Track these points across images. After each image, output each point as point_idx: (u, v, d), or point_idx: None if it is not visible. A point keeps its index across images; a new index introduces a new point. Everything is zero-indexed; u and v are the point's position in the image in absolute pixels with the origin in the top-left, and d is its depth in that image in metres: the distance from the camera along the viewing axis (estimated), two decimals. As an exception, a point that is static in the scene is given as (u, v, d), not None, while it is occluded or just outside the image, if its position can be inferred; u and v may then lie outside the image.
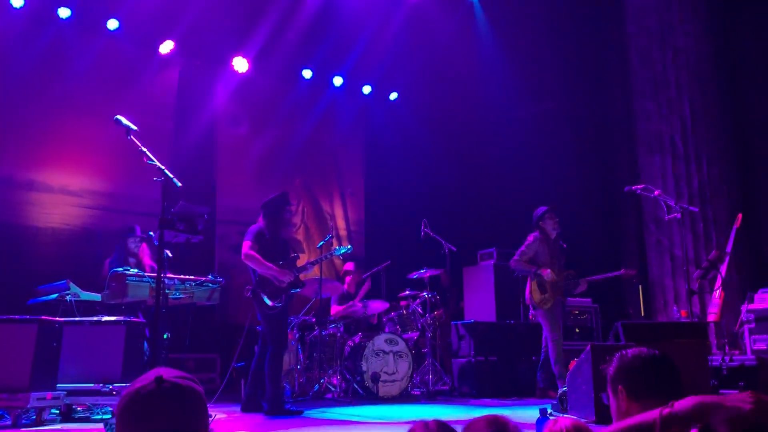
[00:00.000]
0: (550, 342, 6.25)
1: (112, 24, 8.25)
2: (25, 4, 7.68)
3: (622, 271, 6.39)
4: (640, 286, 8.31)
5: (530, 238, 6.41)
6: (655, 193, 5.67)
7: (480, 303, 8.93)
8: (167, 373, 1.28)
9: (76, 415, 5.30)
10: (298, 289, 5.79)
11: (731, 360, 5.02)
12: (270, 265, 5.53)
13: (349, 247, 6.56)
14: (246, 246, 5.57)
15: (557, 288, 6.24)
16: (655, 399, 2.16)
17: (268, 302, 5.56)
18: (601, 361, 4.63)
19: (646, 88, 8.68)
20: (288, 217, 6.03)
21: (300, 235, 10.20)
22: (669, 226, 7.93)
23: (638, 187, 5.84)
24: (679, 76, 8.46)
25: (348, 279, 8.30)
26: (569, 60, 9.55)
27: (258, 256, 5.51)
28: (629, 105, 8.89)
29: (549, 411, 5.32)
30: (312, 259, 6.22)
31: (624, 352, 2.35)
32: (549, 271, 6.18)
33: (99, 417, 5.19)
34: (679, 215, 5.48)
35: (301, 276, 5.85)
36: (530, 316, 8.49)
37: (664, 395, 2.15)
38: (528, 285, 6.40)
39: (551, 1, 9.26)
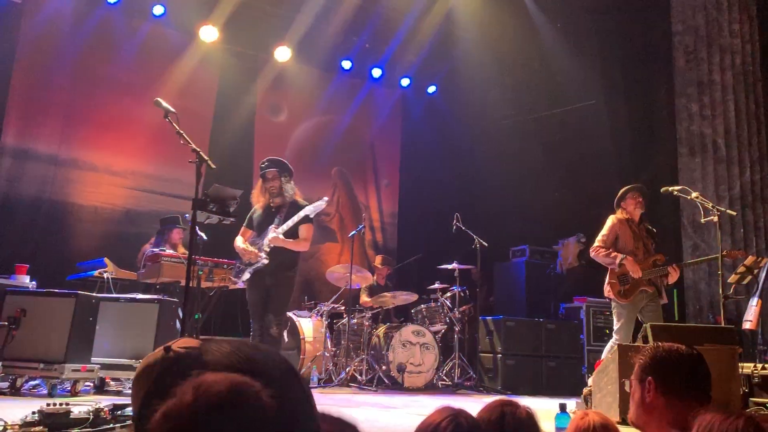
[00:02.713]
0: (613, 340, 5.48)
1: (158, 10, 8.42)
2: (75, -11, 7.90)
3: (723, 252, 5.43)
4: (674, 290, 8.14)
5: (612, 220, 5.67)
6: (693, 195, 5.54)
7: (510, 299, 8.91)
8: (181, 343, 1.34)
9: (109, 389, 5.48)
10: (253, 266, 5.34)
11: (763, 368, 4.91)
12: (239, 246, 5.45)
13: (324, 198, 5.61)
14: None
15: (642, 279, 5.45)
16: (684, 399, 2.12)
17: (235, 281, 5.50)
18: (628, 362, 4.59)
19: (689, 88, 8.49)
20: (264, 181, 5.51)
21: (334, 225, 10.29)
22: (708, 230, 7.76)
23: (675, 189, 5.70)
24: (725, 78, 8.25)
25: (377, 273, 8.37)
26: (612, 57, 9.39)
27: (236, 240, 5.51)
28: (671, 105, 8.71)
29: (574, 411, 5.29)
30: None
31: (660, 344, 2.28)
32: (635, 264, 5.41)
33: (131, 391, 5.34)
34: (716, 219, 5.35)
35: (276, 243, 5.30)
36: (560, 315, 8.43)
37: (694, 397, 2.12)
38: (607, 275, 5.60)
39: (596, -3, 9.12)
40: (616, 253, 5.51)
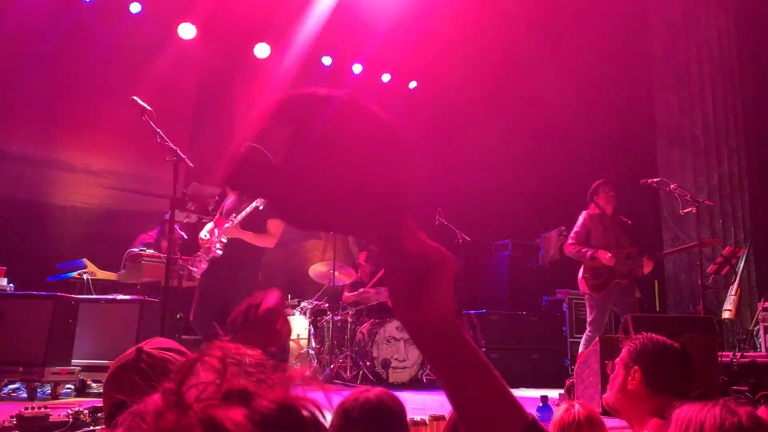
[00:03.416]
0: (585, 335, 5.60)
1: (135, 7, 8.33)
2: (50, -14, 7.80)
3: (696, 242, 5.60)
4: (655, 281, 8.23)
5: (583, 216, 5.79)
6: (671, 186, 5.59)
7: (493, 293, 8.95)
8: (154, 344, 1.33)
9: (90, 391, 5.42)
10: (209, 256, 5.01)
11: (742, 356, 4.98)
12: (200, 235, 5.17)
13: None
14: None
15: (616, 271, 5.50)
16: (666, 393, 2.14)
17: (194, 270, 5.18)
18: (609, 354, 4.63)
19: (668, 81, 8.57)
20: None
21: (316, 222, 10.25)
22: (687, 221, 7.85)
23: (654, 181, 5.75)
24: (702, 70, 8.35)
25: (361, 270, 8.35)
26: (590, 51, 9.44)
27: (204, 228, 5.26)
28: (651, 98, 8.79)
29: (557, 402, 5.33)
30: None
31: (653, 336, 2.27)
32: (607, 254, 5.47)
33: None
34: (694, 210, 5.41)
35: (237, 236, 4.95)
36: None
37: (676, 391, 2.13)
38: (581, 270, 5.71)
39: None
40: (586, 248, 5.60)
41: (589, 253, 5.55)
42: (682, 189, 5.77)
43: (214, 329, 4.53)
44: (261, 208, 4.87)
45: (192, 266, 5.16)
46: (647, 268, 5.57)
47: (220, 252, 4.91)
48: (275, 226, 5.07)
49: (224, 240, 4.94)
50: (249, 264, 5.02)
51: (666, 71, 8.63)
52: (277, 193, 0.72)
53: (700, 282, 5.30)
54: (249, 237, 4.98)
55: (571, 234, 5.77)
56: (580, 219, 5.77)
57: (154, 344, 1.35)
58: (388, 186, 0.71)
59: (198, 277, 5.11)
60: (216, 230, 5.02)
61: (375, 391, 1.81)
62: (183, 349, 1.36)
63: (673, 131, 8.41)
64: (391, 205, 0.71)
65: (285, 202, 0.72)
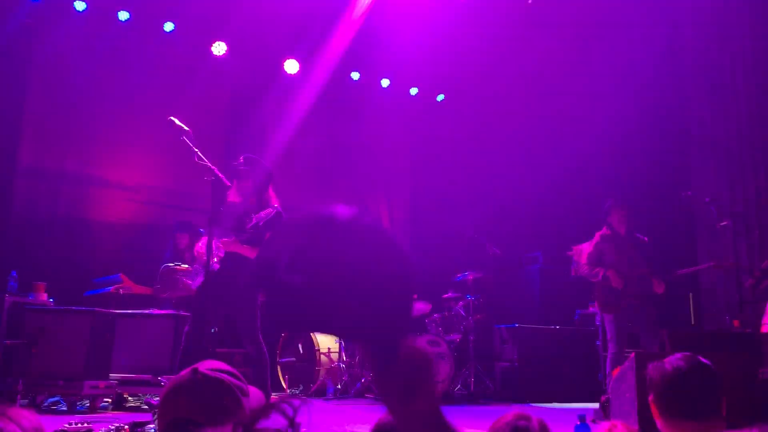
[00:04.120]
0: (609, 353, 5.58)
1: (168, 26, 8.51)
2: (86, 8, 8.01)
3: (712, 263, 5.64)
4: (690, 294, 8.10)
5: (596, 237, 5.80)
6: (706, 199, 5.52)
7: (524, 307, 8.88)
8: (209, 365, 1.37)
9: (127, 404, 5.51)
10: (205, 269, 4.74)
11: (783, 373, 4.86)
12: (197, 246, 5.01)
13: (273, 206, 4.92)
14: None
15: (627, 291, 5.55)
16: (681, 420, 2.07)
17: (189, 283, 5.13)
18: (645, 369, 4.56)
19: (701, 91, 8.46)
20: (233, 176, 4.81)
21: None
22: (723, 233, 7.70)
23: (688, 194, 5.69)
24: (736, 79, 8.21)
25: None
26: (623, 60, 9.37)
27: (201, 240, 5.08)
28: (684, 108, 8.68)
29: (592, 418, 5.27)
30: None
31: (659, 362, 2.22)
32: (617, 276, 5.52)
33: (148, 406, 5.38)
34: (730, 222, 5.33)
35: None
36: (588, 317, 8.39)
37: (691, 416, 2.06)
38: (595, 289, 5.79)
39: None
40: (598, 269, 5.63)
41: (600, 273, 5.60)
42: (716, 201, 5.70)
43: (204, 347, 4.40)
44: (261, 224, 4.78)
45: (188, 279, 5.17)
46: (659, 288, 5.54)
47: (216, 266, 4.78)
48: None
49: (221, 254, 4.83)
50: (246, 277, 4.81)
51: (699, 80, 8.52)
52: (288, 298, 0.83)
53: (738, 296, 5.21)
54: (247, 251, 4.86)
55: (584, 254, 5.80)
56: (594, 240, 5.81)
57: (208, 365, 1.39)
58: (394, 304, 0.84)
59: (194, 289, 5.00)
60: (214, 242, 4.85)
61: (537, 420, 1.76)
62: (236, 371, 1.40)
63: (707, 142, 8.29)
64: (397, 320, 0.84)
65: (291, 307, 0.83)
